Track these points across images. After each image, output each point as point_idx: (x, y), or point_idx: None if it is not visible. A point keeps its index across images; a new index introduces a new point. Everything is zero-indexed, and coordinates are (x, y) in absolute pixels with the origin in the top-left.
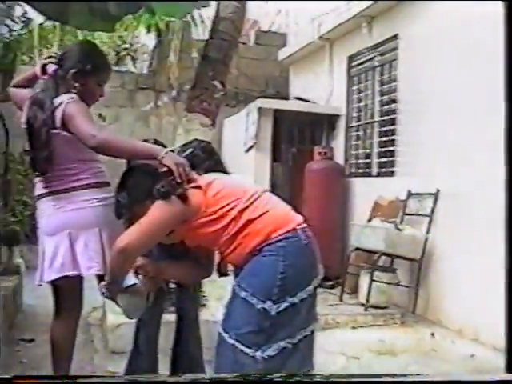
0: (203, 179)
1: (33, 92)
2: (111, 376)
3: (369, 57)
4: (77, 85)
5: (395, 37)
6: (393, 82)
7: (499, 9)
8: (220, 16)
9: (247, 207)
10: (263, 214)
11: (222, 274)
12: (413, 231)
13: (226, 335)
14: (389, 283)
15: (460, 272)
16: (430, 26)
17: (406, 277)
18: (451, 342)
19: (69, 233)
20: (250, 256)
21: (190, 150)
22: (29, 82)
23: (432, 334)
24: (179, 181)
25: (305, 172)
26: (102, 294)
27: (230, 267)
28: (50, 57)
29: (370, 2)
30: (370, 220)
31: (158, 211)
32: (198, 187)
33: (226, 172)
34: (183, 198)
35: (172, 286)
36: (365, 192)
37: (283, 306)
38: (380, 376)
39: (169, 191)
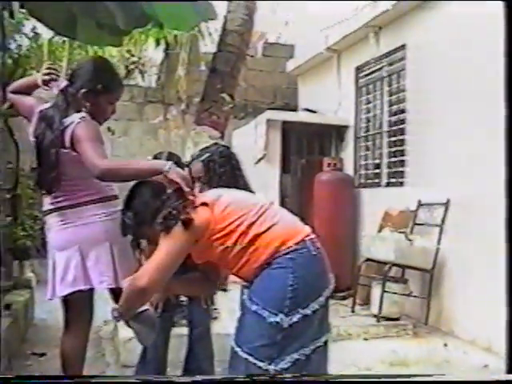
0: (209, 196)
1: (42, 105)
2: (113, 376)
3: (377, 67)
4: (87, 104)
5: (403, 47)
6: (401, 92)
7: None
8: (227, 29)
9: (255, 221)
10: (271, 227)
11: (222, 289)
12: (423, 241)
13: (238, 349)
14: (401, 294)
15: (472, 282)
16: (438, 35)
17: (417, 287)
18: (464, 353)
19: (79, 247)
20: (259, 270)
21: (206, 155)
22: (28, 90)
23: (445, 345)
24: (187, 189)
25: (314, 183)
26: (114, 317)
27: (229, 281)
28: (49, 74)
29: (378, 12)
30: (380, 230)
31: (169, 242)
32: (205, 204)
33: (243, 178)
34: (188, 222)
35: (183, 298)
36: (374, 202)
37: (295, 318)
38: (384, 377)
39: (173, 219)
